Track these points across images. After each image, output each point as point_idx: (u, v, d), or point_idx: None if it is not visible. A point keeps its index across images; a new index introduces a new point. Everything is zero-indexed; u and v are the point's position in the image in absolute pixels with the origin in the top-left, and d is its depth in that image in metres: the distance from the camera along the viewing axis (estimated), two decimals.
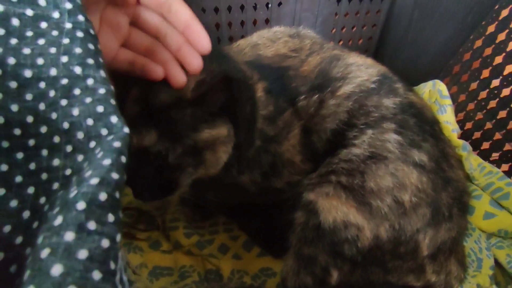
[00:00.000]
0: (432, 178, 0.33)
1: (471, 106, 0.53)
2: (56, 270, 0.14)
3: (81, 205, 0.15)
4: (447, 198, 0.34)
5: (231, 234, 0.46)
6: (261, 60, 0.40)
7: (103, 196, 0.16)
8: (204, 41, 0.26)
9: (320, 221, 0.33)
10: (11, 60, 0.17)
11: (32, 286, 0.14)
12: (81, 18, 0.20)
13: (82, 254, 0.15)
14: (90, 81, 0.19)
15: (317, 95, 0.37)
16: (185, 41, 0.27)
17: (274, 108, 0.37)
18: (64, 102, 0.18)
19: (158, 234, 0.46)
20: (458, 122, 0.55)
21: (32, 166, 0.17)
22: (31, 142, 0.17)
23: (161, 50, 0.27)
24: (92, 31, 0.20)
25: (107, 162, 0.17)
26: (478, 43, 0.52)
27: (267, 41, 0.42)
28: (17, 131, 0.17)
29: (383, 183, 0.32)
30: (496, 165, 0.47)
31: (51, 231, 0.15)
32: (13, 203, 0.16)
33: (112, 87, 0.20)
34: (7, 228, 0.16)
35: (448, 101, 0.55)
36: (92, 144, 0.18)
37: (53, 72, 0.18)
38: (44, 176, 0.17)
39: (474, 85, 0.53)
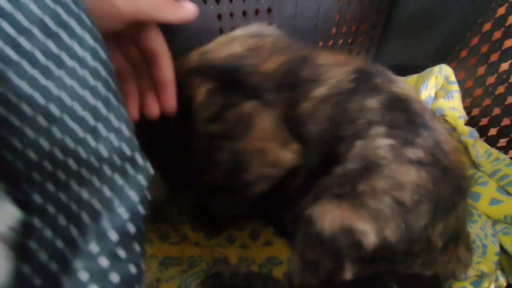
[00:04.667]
0: (431, 172, 0.32)
1: (478, 91, 0.52)
2: None
3: (114, 236, 0.18)
4: (448, 188, 0.33)
5: (237, 225, 0.47)
6: (210, 62, 0.37)
7: (131, 228, 0.18)
8: (171, 107, 0.30)
9: (318, 228, 0.31)
10: (40, 99, 0.17)
11: None
12: (104, 56, 0.19)
13: (115, 278, 0.17)
14: (113, 120, 0.19)
15: (287, 93, 0.34)
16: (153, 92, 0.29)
17: (221, 106, 0.34)
18: (91, 141, 0.19)
19: (167, 226, 0.47)
20: (465, 108, 0.54)
21: (63, 197, 0.19)
22: (62, 175, 0.18)
23: (141, 78, 0.29)
24: (110, 66, 0.20)
25: (135, 198, 0.19)
26: (487, 26, 0.51)
27: (220, 45, 0.39)
28: (48, 166, 0.18)
29: (377, 185, 0.31)
30: (503, 152, 0.47)
31: (88, 257, 0.17)
32: (48, 233, 0.18)
33: (133, 125, 0.21)
34: (43, 256, 0.18)
35: (455, 86, 0.54)
36: (120, 180, 0.19)
37: (78, 109, 0.18)
38: (74, 207, 0.19)
39: (481, 70, 0.52)
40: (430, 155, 0.33)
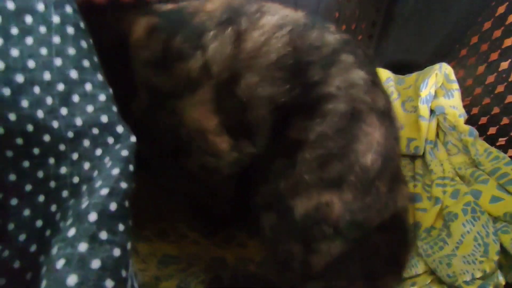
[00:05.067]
0: (387, 125, 0.30)
1: (478, 90, 0.52)
2: (72, 280, 0.15)
3: (92, 216, 0.16)
4: (392, 140, 0.30)
5: (235, 224, 0.46)
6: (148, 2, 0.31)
7: (113, 206, 0.17)
8: None
9: (293, 215, 0.28)
10: (1, 65, 0.16)
11: None
12: (69, 9, 0.18)
13: (95, 263, 0.15)
14: (88, 87, 0.18)
15: (229, 28, 0.28)
16: None
17: (164, 50, 0.28)
18: (64, 110, 0.17)
19: (165, 224, 0.46)
20: (464, 107, 0.54)
21: (40, 174, 0.17)
22: (36, 150, 0.17)
23: None
24: (82, 25, 0.19)
25: (115, 171, 0.17)
26: (487, 25, 0.51)
27: None
28: (19, 141, 0.17)
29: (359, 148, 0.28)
30: (502, 150, 0.47)
31: (65, 242, 0.16)
32: (26, 212, 0.17)
33: (111, 91, 0.19)
34: (22, 237, 0.17)
35: (455, 85, 0.54)
36: (99, 152, 0.18)
37: (47, 76, 0.17)
38: (52, 184, 0.18)
39: (481, 69, 0.52)
40: (388, 103, 0.30)
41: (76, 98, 0.18)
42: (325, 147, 0.28)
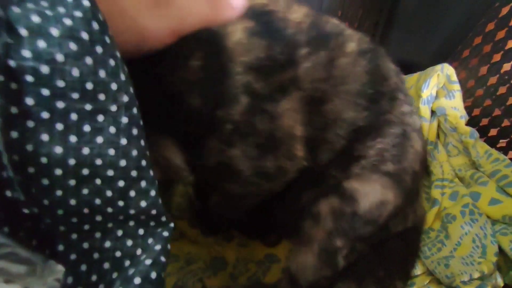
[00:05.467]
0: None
1: (479, 92, 0.52)
2: None
3: (137, 280, 0.20)
4: None
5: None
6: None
7: (153, 275, 0.20)
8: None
9: (358, 208, 0.32)
10: (72, 161, 0.17)
11: None
12: (135, 111, 0.20)
13: None
14: (143, 183, 0.20)
15: (322, 52, 0.31)
16: None
17: (268, 56, 0.29)
18: (121, 203, 0.20)
19: None
20: (465, 108, 0.54)
21: (86, 245, 0.20)
22: (86, 227, 0.19)
23: None
24: (141, 122, 0.20)
25: (157, 247, 0.21)
26: (490, 26, 0.50)
27: None
28: (74, 219, 0.19)
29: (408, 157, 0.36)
30: (503, 152, 0.47)
31: None
32: (69, 280, 0.20)
33: (157, 183, 0.21)
34: None
35: (457, 86, 0.54)
36: (141, 231, 0.21)
37: (110, 173, 0.19)
38: (96, 255, 0.20)
39: (484, 70, 0.51)
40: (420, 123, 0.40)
41: (132, 193, 0.20)
42: (382, 155, 0.34)
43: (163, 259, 0.21)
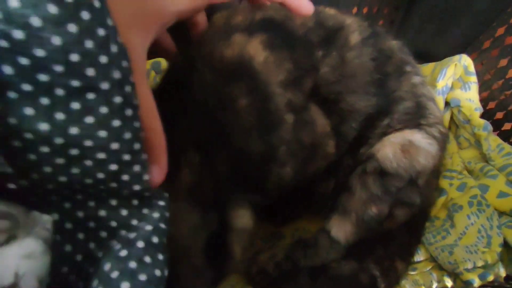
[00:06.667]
0: None
1: (497, 84, 0.51)
2: (125, 286, 0.18)
3: (140, 244, 0.20)
4: None
5: None
6: (242, 21, 0.31)
7: (155, 240, 0.20)
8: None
9: (386, 171, 0.33)
10: (59, 140, 0.16)
11: None
12: (128, 89, 0.18)
13: (143, 277, 0.19)
14: (136, 168, 0.19)
15: (334, 52, 0.32)
16: None
17: (295, 65, 0.29)
18: (113, 184, 0.19)
19: None
20: (481, 101, 0.53)
21: (81, 214, 0.20)
22: (79, 197, 0.19)
23: None
24: (135, 102, 0.18)
25: (156, 215, 0.21)
26: None
27: (235, 13, 0.32)
28: (66, 191, 0.19)
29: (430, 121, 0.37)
30: None
31: (118, 259, 0.19)
32: (68, 248, 0.20)
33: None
34: (64, 269, 0.20)
35: (474, 78, 0.53)
36: (135, 202, 0.21)
37: (102, 156, 0.18)
38: (91, 224, 0.20)
39: (503, 62, 0.50)
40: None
41: (125, 177, 0.19)
42: (390, 126, 0.36)
43: (163, 225, 0.21)
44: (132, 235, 0.20)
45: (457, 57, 0.55)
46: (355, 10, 0.58)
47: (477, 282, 0.36)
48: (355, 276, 0.35)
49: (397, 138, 0.34)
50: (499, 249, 0.38)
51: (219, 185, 0.26)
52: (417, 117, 0.36)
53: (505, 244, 0.40)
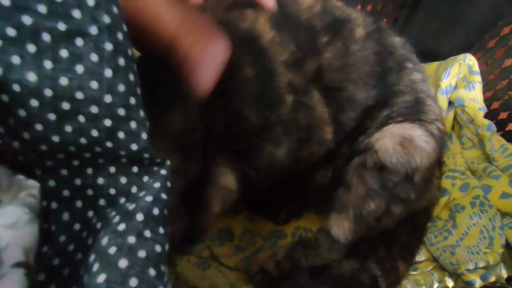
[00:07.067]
0: None
1: (501, 84, 0.51)
2: (122, 263, 0.17)
3: (139, 217, 0.19)
4: None
5: None
6: None
7: (156, 211, 0.19)
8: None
9: (385, 165, 0.33)
10: (48, 92, 0.16)
11: (103, 274, 0.17)
12: (120, 36, 0.17)
13: (141, 253, 0.18)
14: (133, 125, 0.18)
15: (339, 42, 0.33)
16: None
17: (298, 48, 0.30)
18: (109, 144, 0.18)
19: None
20: (485, 101, 0.53)
21: (78, 182, 0.19)
22: (76, 162, 0.18)
23: None
24: (130, 52, 0.18)
25: (157, 185, 0.20)
26: None
27: None
28: (61, 155, 0.18)
29: (428, 117, 0.37)
30: None
31: (116, 234, 0.18)
32: (65, 216, 0.19)
33: (148, 125, 0.19)
34: (62, 238, 0.19)
35: (478, 77, 0.53)
36: (135, 169, 0.20)
37: (94, 110, 0.17)
38: (89, 192, 0.19)
39: (508, 62, 0.50)
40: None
41: (121, 135, 0.18)
42: (391, 117, 0.36)
43: (164, 196, 0.20)
44: (132, 206, 0.19)
45: (461, 56, 0.54)
46: (359, 7, 0.57)
47: (478, 283, 0.36)
48: (356, 276, 0.35)
49: (397, 129, 0.35)
50: (501, 250, 0.38)
51: (210, 139, 0.27)
52: (416, 112, 0.36)
53: (507, 245, 0.40)
